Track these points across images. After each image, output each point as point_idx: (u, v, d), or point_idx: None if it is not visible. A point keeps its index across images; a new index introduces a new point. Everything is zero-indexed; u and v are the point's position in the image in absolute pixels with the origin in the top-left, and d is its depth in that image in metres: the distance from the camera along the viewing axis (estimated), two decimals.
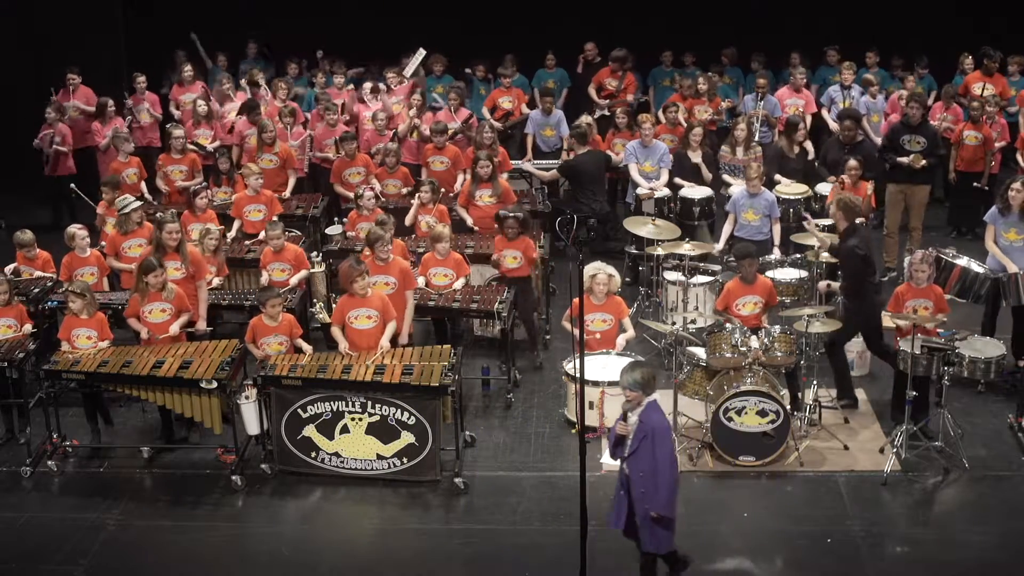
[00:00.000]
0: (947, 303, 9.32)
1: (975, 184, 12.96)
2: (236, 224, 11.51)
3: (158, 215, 10.34)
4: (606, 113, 14.35)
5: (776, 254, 10.78)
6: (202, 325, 9.70)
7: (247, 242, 11.20)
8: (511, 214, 10.39)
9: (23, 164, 14.08)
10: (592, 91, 14.70)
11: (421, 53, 14.21)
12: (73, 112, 14.02)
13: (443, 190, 11.77)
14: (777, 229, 11.03)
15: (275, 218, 11.24)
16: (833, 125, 13.64)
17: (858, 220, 9.74)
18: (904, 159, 11.82)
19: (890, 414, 9.31)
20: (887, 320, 9.29)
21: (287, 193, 12.45)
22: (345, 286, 9.14)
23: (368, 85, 13.90)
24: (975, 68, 14.35)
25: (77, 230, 10.43)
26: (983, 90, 13.64)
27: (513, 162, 13.13)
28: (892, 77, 14.68)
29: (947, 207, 13.69)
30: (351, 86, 14.06)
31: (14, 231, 10.79)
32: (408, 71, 13.95)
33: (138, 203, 10.51)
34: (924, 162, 11.79)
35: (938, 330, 9.04)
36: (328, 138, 13.10)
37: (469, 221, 11.47)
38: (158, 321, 9.19)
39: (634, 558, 7.81)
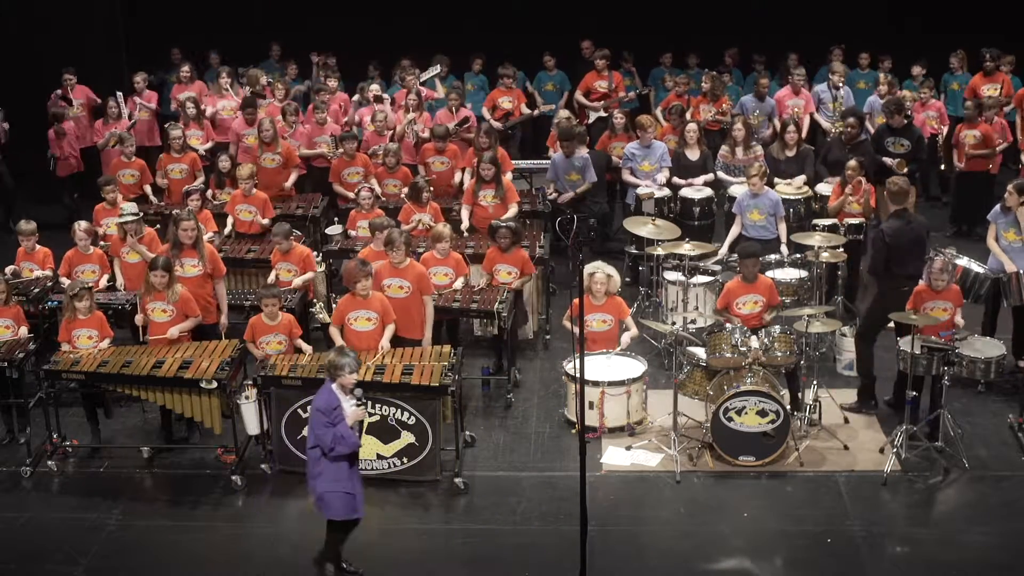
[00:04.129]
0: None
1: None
2: (229, 221, 11.53)
3: (174, 212, 10.33)
4: (602, 115, 14.36)
5: (784, 252, 10.76)
6: (224, 320, 9.74)
7: (250, 244, 11.20)
8: (503, 224, 10.34)
9: (24, 163, 14.07)
10: (580, 96, 14.69)
11: (437, 68, 14.25)
12: (78, 110, 14.03)
13: (431, 189, 11.73)
14: (783, 228, 11.01)
15: (266, 220, 11.36)
16: (826, 124, 13.66)
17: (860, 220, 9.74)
18: (889, 160, 11.83)
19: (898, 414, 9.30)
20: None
21: (287, 184, 12.46)
22: (348, 285, 9.13)
23: (375, 87, 13.92)
24: (967, 68, 14.41)
25: (80, 228, 10.44)
26: (997, 91, 13.62)
27: (515, 162, 13.15)
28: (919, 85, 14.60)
29: (946, 203, 13.72)
30: (375, 88, 14.02)
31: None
32: (422, 78, 13.97)
33: (133, 217, 10.40)
34: (907, 169, 11.80)
35: (939, 331, 9.04)
36: (317, 135, 13.09)
37: (466, 222, 11.46)
38: (158, 321, 9.19)
39: (636, 558, 7.84)
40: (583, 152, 12.20)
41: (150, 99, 14.36)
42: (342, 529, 7.50)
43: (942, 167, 13.52)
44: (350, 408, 7.32)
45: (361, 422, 7.51)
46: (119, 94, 13.83)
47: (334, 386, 7.32)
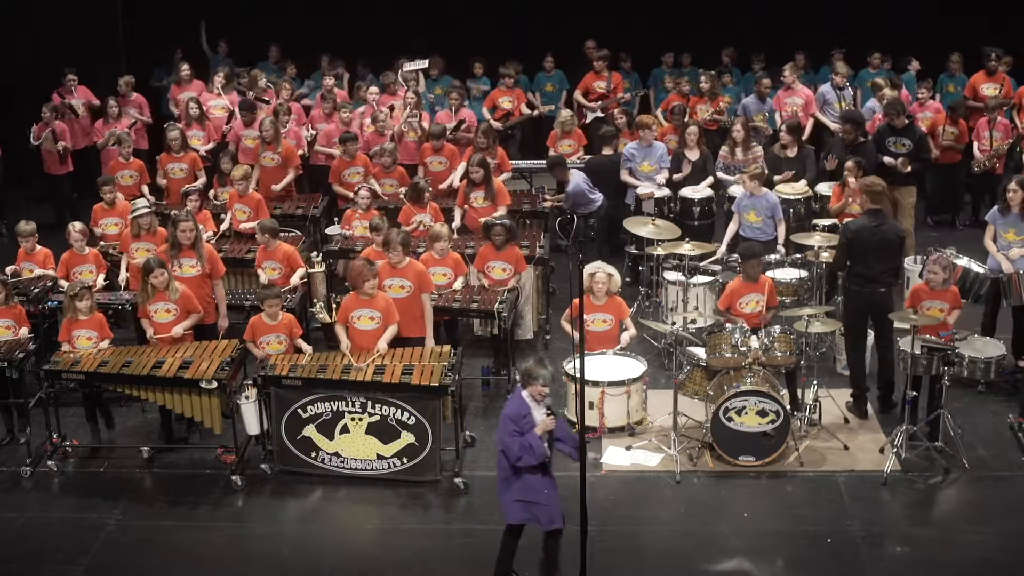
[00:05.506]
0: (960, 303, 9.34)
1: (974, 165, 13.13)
2: (227, 219, 11.54)
3: (172, 213, 10.34)
4: (599, 115, 14.37)
5: (780, 252, 10.76)
6: (224, 323, 9.71)
7: (250, 244, 11.18)
8: (498, 221, 10.34)
9: (24, 163, 14.08)
10: (579, 96, 14.70)
11: (425, 63, 14.26)
12: (80, 109, 14.03)
13: (431, 189, 11.73)
14: (782, 230, 11.01)
15: (252, 224, 11.28)
16: (833, 125, 13.66)
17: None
18: (891, 160, 11.85)
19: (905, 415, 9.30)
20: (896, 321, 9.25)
21: (277, 188, 12.41)
22: (354, 285, 9.12)
23: (374, 89, 13.92)
24: (962, 68, 14.45)
25: (75, 229, 10.43)
26: (999, 91, 13.67)
27: (514, 162, 13.14)
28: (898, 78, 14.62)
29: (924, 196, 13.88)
30: (374, 90, 14.04)
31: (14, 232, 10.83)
32: (406, 68, 14.00)
33: (146, 209, 10.44)
34: (910, 168, 11.82)
35: (939, 331, 9.04)
36: (338, 135, 13.09)
37: (457, 222, 11.46)
38: (162, 321, 9.19)
39: (636, 558, 7.84)
40: (571, 185, 12.06)
41: (137, 103, 14.33)
42: (515, 535, 7.36)
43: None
44: (540, 417, 7.14)
45: (550, 432, 7.22)
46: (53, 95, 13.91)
47: (525, 393, 7.16)
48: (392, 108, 13.64)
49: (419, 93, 13.72)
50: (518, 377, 7.29)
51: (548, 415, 7.15)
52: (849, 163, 11.15)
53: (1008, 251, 9.90)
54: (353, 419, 8.67)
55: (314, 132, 13.63)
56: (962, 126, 13.14)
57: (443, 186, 12.41)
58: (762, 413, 8.68)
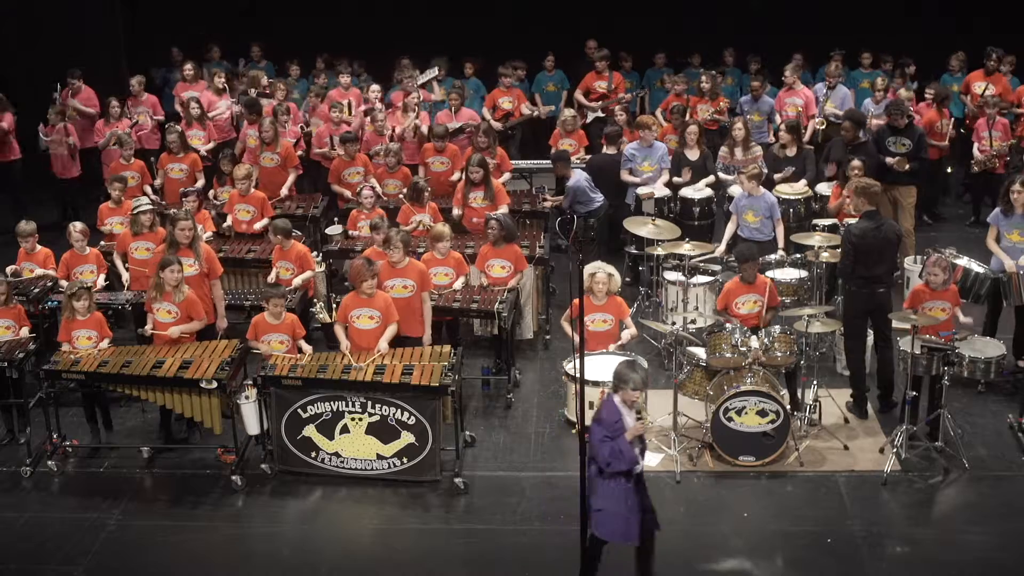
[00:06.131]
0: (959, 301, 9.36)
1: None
2: (229, 219, 11.54)
3: (172, 211, 10.36)
4: (600, 115, 14.36)
5: (780, 255, 10.76)
6: (223, 324, 9.71)
7: (250, 244, 11.18)
8: (494, 217, 10.33)
9: (24, 163, 14.06)
10: (580, 96, 14.71)
11: (435, 70, 14.28)
12: (72, 112, 14.02)
13: (430, 189, 11.74)
14: (781, 230, 11.01)
15: (261, 223, 11.34)
16: (813, 122, 13.68)
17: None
18: (889, 159, 11.86)
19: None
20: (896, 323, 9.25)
21: (284, 191, 12.43)
22: (353, 283, 9.13)
23: (375, 88, 13.93)
24: (966, 67, 14.45)
25: (75, 229, 10.43)
26: (984, 90, 13.70)
27: (514, 162, 13.14)
28: (893, 79, 14.63)
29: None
30: (376, 89, 14.05)
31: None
32: (420, 80, 14.02)
33: (149, 205, 10.45)
34: (908, 166, 11.83)
35: (940, 331, 9.04)
36: (331, 135, 13.10)
37: (456, 214, 11.47)
38: (162, 321, 9.19)
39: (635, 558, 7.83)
40: (572, 180, 12.06)
41: (155, 105, 14.36)
42: (599, 546, 7.20)
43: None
44: (631, 422, 7.05)
45: (642, 437, 7.17)
46: (58, 86, 13.83)
47: (616, 399, 7.10)
48: (391, 107, 13.65)
49: (419, 103, 13.70)
50: (612, 383, 7.18)
51: (639, 419, 7.09)
52: (855, 162, 11.13)
53: (1016, 254, 9.87)
54: (353, 419, 8.68)
55: (307, 128, 13.66)
56: (946, 114, 13.18)
57: (452, 179, 12.39)
58: (762, 413, 8.68)
